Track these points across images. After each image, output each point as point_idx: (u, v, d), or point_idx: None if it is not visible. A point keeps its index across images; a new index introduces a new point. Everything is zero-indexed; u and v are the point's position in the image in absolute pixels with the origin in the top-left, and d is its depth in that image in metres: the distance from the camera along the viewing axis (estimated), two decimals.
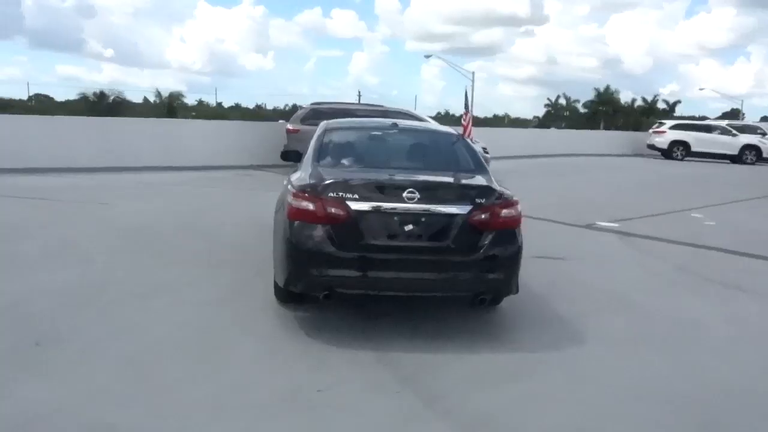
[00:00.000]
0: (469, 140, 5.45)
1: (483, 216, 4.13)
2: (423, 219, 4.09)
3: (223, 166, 13.87)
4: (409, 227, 4.08)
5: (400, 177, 4.31)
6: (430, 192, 4.13)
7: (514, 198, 4.31)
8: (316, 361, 3.79)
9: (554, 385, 3.61)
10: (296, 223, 4.12)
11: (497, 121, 63.92)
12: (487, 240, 4.13)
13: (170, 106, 46.50)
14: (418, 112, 13.06)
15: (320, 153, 4.86)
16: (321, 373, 3.62)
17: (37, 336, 3.92)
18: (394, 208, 4.06)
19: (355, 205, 4.03)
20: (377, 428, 3.10)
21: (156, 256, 5.90)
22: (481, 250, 4.11)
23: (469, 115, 5.60)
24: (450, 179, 4.55)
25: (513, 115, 71.90)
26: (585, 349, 4.16)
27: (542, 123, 55.86)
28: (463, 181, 4.53)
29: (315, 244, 4.06)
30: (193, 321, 4.37)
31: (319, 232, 4.07)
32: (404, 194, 4.04)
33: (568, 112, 57.58)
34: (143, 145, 13.47)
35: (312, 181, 4.25)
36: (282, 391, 3.41)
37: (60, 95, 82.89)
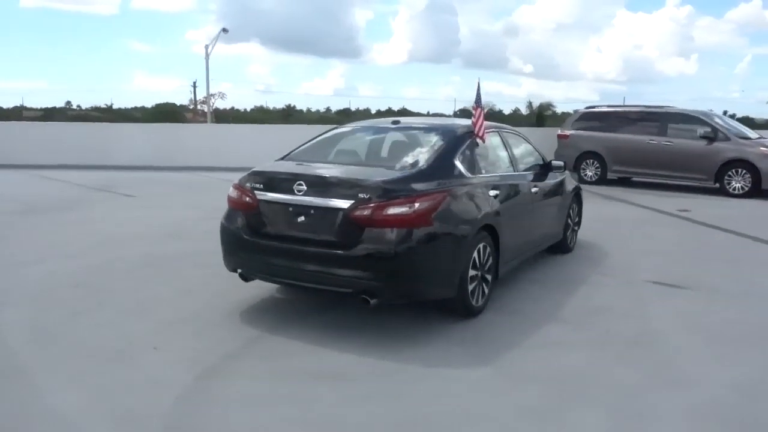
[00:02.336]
0: (478, 139, 4.91)
1: (364, 212, 3.95)
2: (312, 211, 4.10)
3: None
4: (301, 218, 4.14)
5: (297, 170, 4.40)
6: (317, 186, 4.14)
7: (415, 196, 4.02)
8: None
9: None
10: (228, 209, 4.59)
11: None
12: (365, 237, 3.95)
13: (539, 116, 49.04)
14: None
15: (295, 149, 5.10)
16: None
17: None
18: (286, 200, 4.19)
19: (260, 196, 4.35)
20: None
21: None
22: (358, 247, 3.94)
23: (479, 111, 5.03)
24: (341, 174, 4.32)
25: None
26: None
27: None
28: (354, 177, 4.24)
29: (233, 229, 4.48)
30: None
31: (237, 218, 4.48)
32: (294, 186, 4.12)
33: None
34: None
35: (246, 174, 4.53)
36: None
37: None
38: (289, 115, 63.84)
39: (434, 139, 4.81)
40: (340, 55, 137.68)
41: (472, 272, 4.40)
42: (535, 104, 53.35)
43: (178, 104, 62.42)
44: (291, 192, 4.19)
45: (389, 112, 59.37)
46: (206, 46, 30.17)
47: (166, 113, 55.14)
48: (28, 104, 68.40)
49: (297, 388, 3.41)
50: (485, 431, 3.00)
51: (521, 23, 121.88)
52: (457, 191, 4.39)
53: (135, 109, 67.71)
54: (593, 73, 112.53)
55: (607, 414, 3.18)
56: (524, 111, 55.89)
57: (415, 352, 3.90)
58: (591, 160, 13.87)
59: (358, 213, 3.96)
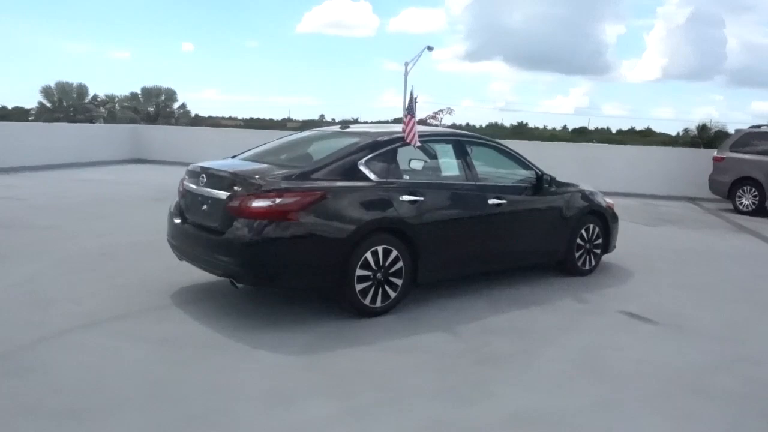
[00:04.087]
0: (413, 146, 5.02)
1: (234, 203, 4.38)
2: (209, 201, 4.61)
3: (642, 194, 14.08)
4: (204, 207, 4.67)
5: (206, 165, 4.91)
6: (212, 178, 4.68)
7: (281, 192, 4.32)
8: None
9: None
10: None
11: None
12: (234, 226, 4.35)
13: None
14: None
15: (248, 150, 5.57)
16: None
17: None
18: (193, 189, 4.84)
19: (185, 185, 4.98)
20: None
21: None
22: (226, 234, 4.37)
23: (410, 118, 5.09)
24: (234, 169, 4.77)
25: None
26: None
27: None
28: (238, 171, 4.69)
29: (171, 214, 5.14)
30: None
31: (176, 204, 5.12)
32: (199, 179, 4.75)
33: None
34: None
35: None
36: None
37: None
38: (519, 132, 63.96)
39: (349, 143, 4.99)
40: (585, 72, 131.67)
41: (361, 272, 4.55)
42: None
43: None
44: (197, 183, 4.80)
45: (631, 132, 56.35)
46: (406, 63, 31.62)
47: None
48: (294, 116, 79.48)
49: (129, 344, 3.98)
50: (235, 408, 3.26)
51: None
52: (343, 192, 4.55)
53: (374, 123, 73.75)
54: None
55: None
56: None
57: (262, 335, 4.23)
58: (748, 187, 12.06)
59: (230, 203, 4.40)
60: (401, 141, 5.05)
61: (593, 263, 6.43)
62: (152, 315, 4.58)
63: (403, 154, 5.13)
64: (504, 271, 5.96)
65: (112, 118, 49.88)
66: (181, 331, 4.26)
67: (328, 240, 4.43)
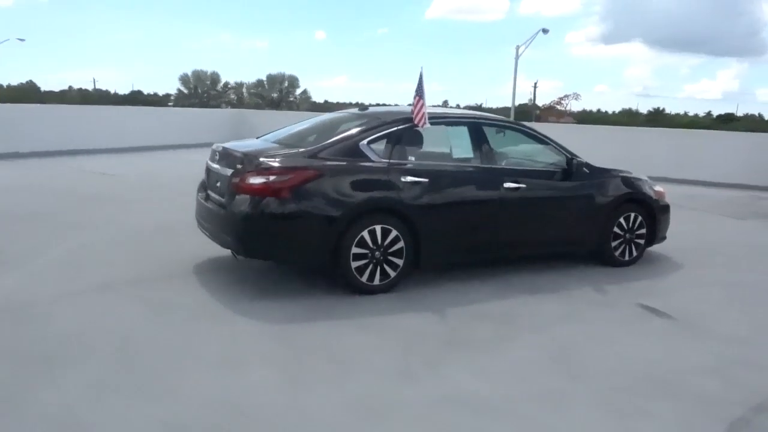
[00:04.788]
0: (421, 128, 5.04)
1: (235, 179, 4.62)
2: (222, 178, 4.88)
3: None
4: (218, 184, 4.97)
5: (223, 145, 5.16)
6: (223, 157, 4.97)
7: (275, 169, 4.52)
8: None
9: None
10: None
11: None
12: (234, 201, 4.60)
13: None
14: None
15: (273, 131, 5.73)
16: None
17: None
18: (211, 168, 5.18)
19: (207, 164, 5.38)
20: None
21: None
22: (228, 209, 4.66)
23: (419, 100, 5.07)
24: (241, 149, 4.97)
25: None
26: None
27: None
28: (243, 151, 4.88)
29: (198, 192, 5.51)
30: None
31: (201, 182, 5.54)
32: (215, 157, 5.11)
33: None
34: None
35: None
36: None
37: None
38: (654, 120, 60.44)
39: (357, 124, 5.08)
40: (736, 54, 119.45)
41: (357, 250, 4.66)
42: None
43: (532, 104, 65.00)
44: (214, 161, 5.13)
45: None
46: (517, 47, 30.87)
47: (522, 113, 58.08)
48: None
49: (129, 306, 4.38)
50: (185, 367, 3.54)
51: None
52: (340, 171, 4.67)
53: (498, 110, 72.84)
54: None
55: None
56: None
57: (253, 305, 4.47)
58: None
59: (233, 180, 4.65)
60: (409, 122, 5.06)
61: (634, 254, 6.06)
62: (164, 282, 4.96)
63: (411, 136, 5.11)
64: (529, 257, 5.80)
65: (240, 103, 53.14)
66: (182, 298, 4.61)
67: (321, 217, 4.57)
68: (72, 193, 8.90)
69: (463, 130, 5.42)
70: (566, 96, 55.40)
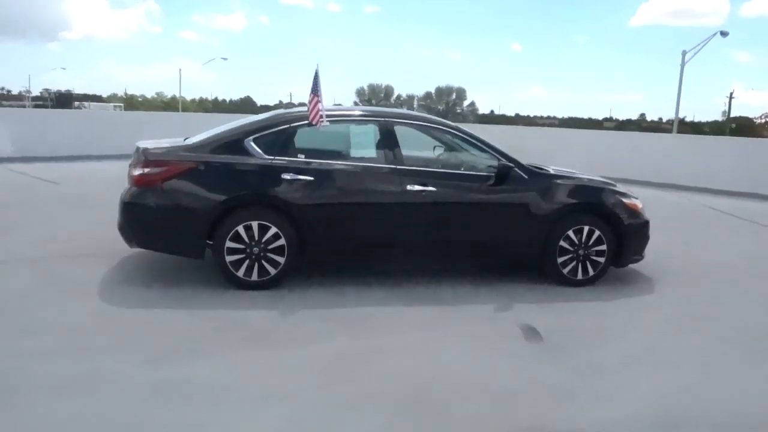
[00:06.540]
0: (317, 125, 4.99)
1: (129, 172, 4.97)
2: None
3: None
4: None
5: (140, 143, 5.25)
6: (135, 153, 5.08)
7: (151, 162, 4.74)
8: None
9: None
10: None
11: None
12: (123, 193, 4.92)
13: None
14: None
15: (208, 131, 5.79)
16: None
17: None
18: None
19: None
20: None
21: None
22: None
23: (314, 98, 4.97)
24: (145, 145, 5.03)
25: None
26: None
27: None
28: (146, 146, 4.99)
29: None
30: None
31: None
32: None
33: None
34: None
35: None
36: None
37: None
38: None
39: (254, 122, 5.18)
40: None
41: (231, 244, 4.74)
42: None
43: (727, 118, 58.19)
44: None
45: None
46: (683, 52, 27.90)
47: (742, 127, 52.16)
48: (615, 115, 75.67)
49: (57, 276, 4.94)
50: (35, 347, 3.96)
51: None
52: (216, 166, 4.80)
53: (705, 123, 65.64)
54: None
55: None
56: None
57: (168, 291, 4.76)
58: None
59: (129, 172, 5.02)
60: (303, 121, 5.03)
61: (590, 273, 5.33)
62: (106, 260, 5.42)
63: (304, 134, 5.08)
64: (454, 265, 5.45)
65: None
66: (109, 277, 5.07)
67: (192, 210, 4.75)
68: None
69: (371, 129, 5.24)
70: None
